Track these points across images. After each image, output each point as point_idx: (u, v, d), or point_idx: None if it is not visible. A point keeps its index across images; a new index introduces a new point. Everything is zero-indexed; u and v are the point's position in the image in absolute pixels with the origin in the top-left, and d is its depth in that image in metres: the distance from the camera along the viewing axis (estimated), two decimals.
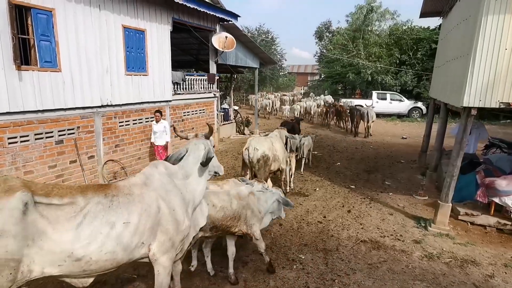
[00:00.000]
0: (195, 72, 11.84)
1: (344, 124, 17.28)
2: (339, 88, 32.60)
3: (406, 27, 26.60)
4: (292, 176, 7.84)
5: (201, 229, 3.54)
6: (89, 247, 2.51)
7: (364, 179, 8.89)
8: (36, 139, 6.32)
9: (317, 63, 39.91)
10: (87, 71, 7.12)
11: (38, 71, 6.16)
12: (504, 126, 18.97)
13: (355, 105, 17.41)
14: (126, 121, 8.40)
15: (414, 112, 22.78)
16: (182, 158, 3.30)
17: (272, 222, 4.55)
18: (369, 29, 28.45)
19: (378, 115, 22.92)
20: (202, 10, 9.78)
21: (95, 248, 2.54)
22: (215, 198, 3.84)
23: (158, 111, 8.43)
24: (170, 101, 9.96)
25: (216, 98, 12.60)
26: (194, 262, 4.35)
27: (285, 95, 29.40)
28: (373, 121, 15.30)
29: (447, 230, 5.73)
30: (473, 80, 5.10)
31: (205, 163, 3.27)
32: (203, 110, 11.82)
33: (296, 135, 8.96)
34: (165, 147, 8.41)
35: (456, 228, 5.99)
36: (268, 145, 6.24)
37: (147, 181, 2.97)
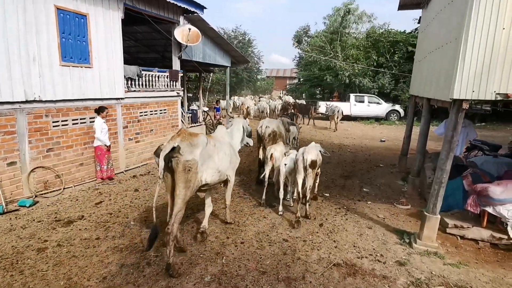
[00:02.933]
0: (156, 68, 10.59)
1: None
2: (317, 91, 32.04)
3: (383, 30, 26.39)
4: None
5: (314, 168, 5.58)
6: (222, 165, 4.54)
7: (340, 185, 7.95)
8: None
9: (296, 67, 39.34)
10: (6, 58, 5.83)
11: None
12: (480, 129, 18.69)
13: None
14: (63, 121, 7.11)
15: (392, 115, 22.39)
16: (230, 127, 5.55)
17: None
18: (347, 31, 28.08)
19: (356, 118, 22.58)
20: None
21: (223, 165, 4.58)
22: (316, 150, 5.86)
23: (105, 107, 7.64)
24: (122, 98, 8.72)
25: (180, 98, 11.42)
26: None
27: (261, 97, 28.71)
28: (338, 118, 17.74)
29: (435, 247, 4.80)
30: (465, 68, 4.23)
31: (245, 130, 5.64)
32: (164, 110, 10.61)
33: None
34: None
35: (444, 243, 5.09)
36: (276, 124, 7.77)
37: (222, 136, 5.04)
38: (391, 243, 5.04)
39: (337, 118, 17.62)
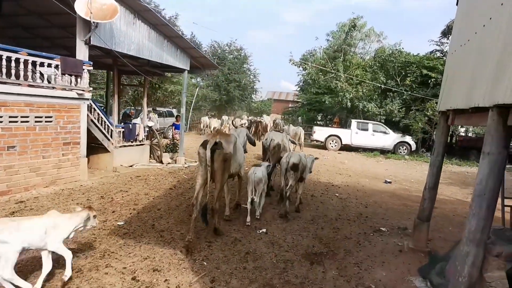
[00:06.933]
0: (27, 50, 6.93)
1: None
2: (319, 116, 28.23)
3: (395, 49, 22.70)
4: None
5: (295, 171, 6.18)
6: (240, 160, 5.68)
7: (293, 283, 3.89)
8: None
9: (297, 90, 35.80)
10: None
11: None
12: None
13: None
14: None
15: (401, 147, 18.38)
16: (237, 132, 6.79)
17: None
18: (352, 50, 24.63)
19: (358, 149, 18.60)
20: None
21: (241, 160, 5.75)
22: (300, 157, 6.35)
23: None
24: None
25: (87, 102, 7.67)
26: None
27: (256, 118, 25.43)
28: (301, 139, 15.83)
29: None
30: None
31: (249, 138, 7.01)
32: (47, 117, 6.82)
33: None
34: None
35: None
36: (281, 137, 7.88)
37: (238, 136, 6.01)
38: None
39: (299, 139, 15.48)
